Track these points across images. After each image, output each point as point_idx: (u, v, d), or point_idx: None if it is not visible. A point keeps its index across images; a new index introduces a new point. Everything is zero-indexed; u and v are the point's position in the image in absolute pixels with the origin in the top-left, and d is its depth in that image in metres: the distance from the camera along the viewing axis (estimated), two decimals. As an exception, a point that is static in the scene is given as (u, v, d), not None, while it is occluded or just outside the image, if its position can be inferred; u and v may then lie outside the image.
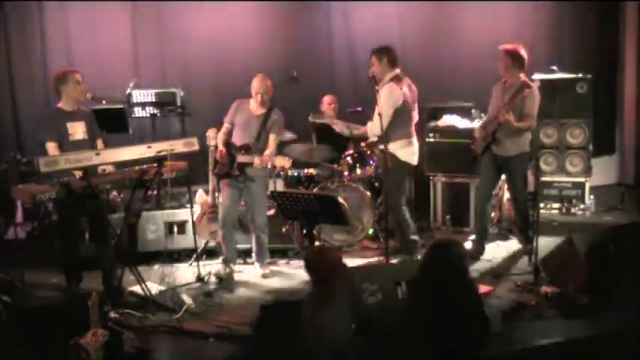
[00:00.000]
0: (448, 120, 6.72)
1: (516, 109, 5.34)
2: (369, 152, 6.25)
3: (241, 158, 5.27)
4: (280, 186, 6.31)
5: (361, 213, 6.00)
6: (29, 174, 4.85)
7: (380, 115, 5.06)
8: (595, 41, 7.85)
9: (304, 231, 4.96)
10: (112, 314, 4.38)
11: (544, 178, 7.01)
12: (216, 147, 5.56)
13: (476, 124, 6.26)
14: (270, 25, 7.53)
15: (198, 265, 5.41)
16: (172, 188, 6.27)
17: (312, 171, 6.28)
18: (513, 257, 5.70)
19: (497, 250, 5.88)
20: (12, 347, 3.81)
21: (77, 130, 4.95)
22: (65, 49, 7.05)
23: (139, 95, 6.53)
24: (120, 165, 4.81)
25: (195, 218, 5.73)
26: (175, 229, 5.89)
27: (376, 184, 6.33)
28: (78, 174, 4.55)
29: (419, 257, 5.30)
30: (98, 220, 5.02)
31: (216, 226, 5.66)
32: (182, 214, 5.93)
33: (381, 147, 5.31)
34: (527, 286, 4.87)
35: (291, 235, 5.93)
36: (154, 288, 4.93)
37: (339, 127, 6.42)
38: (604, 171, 8.00)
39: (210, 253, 5.84)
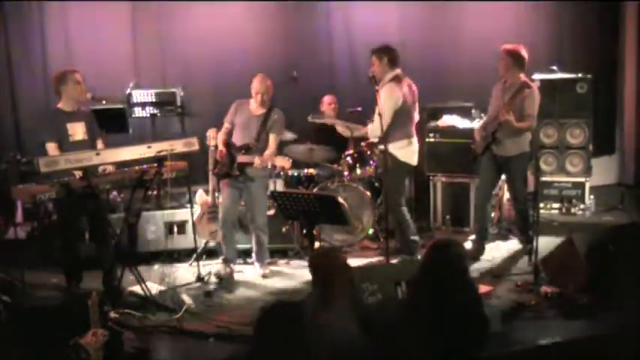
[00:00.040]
0: (448, 120, 6.71)
1: (516, 109, 5.34)
2: (369, 152, 6.25)
3: (241, 158, 5.27)
4: (280, 186, 6.31)
5: (361, 213, 6.00)
6: (29, 174, 4.85)
7: (380, 115, 5.06)
8: (595, 41, 7.84)
9: (304, 231, 4.96)
10: (112, 314, 4.38)
11: (544, 178, 7.01)
12: (216, 147, 5.56)
13: (476, 124, 6.26)
14: (270, 25, 7.53)
15: (198, 265, 5.41)
16: (172, 188, 6.27)
17: (312, 171, 6.28)
18: (513, 257, 5.70)
19: (497, 250, 5.88)
20: (12, 347, 3.81)
21: (77, 131, 4.95)
22: (65, 49, 7.05)
23: (139, 95, 6.54)
24: (120, 165, 4.81)
25: (195, 218, 5.73)
26: (175, 229, 5.89)
27: (376, 184, 6.34)
28: (78, 174, 4.55)
29: (419, 257, 5.30)
30: (98, 220, 5.02)
31: (216, 226, 5.66)
32: (182, 214, 5.93)
33: (381, 147, 5.31)
34: (527, 286, 4.87)
35: (291, 235, 5.93)
36: (154, 288, 4.94)
37: (341, 127, 6.43)
38: (604, 171, 7.99)
39: (210, 253, 5.84)
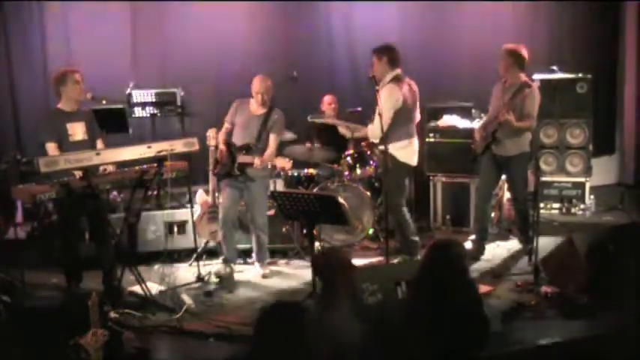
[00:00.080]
0: (448, 120, 6.72)
1: (516, 109, 5.34)
2: (369, 152, 6.25)
3: (242, 158, 5.27)
4: (280, 186, 6.31)
5: (361, 213, 6.00)
6: (29, 174, 4.84)
7: (380, 115, 5.06)
8: (595, 41, 7.84)
9: (304, 231, 4.96)
10: (112, 314, 4.38)
11: (544, 178, 7.01)
12: (216, 147, 5.56)
13: (476, 124, 6.26)
14: (270, 25, 7.53)
15: (198, 265, 5.42)
16: (172, 188, 6.26)
17: (312, 171, 6.27)
18: (513, 257, 5.70)
19: (497, 250, 5.88)
20: (12, 347, 3.81)
21: (77, 131, 4.95)
22: (65, 49, 7.04)
23: (139, 95, 6.54)
24: (120, 165, 4.81)
25: (195, 218, 5.73)
26: (175, 229, 5.89)
27: (376, 184, 6.34)
28: (78, 174, 4.55)
29: (419, 257, 5.30)
30: (98, 220, 5.02)
31: (216, 226, 5.66)
32: (182, 214, 5.93)
33: (381, 147, 5.31)
34: (527, 286, 4.87)
35: (291, 235, 5.93)
36: (154, 288, 4.93)
37: (342, 127, 6.42)
38: (604, 171, 8.00)
39: (210, 253, 5.84)
